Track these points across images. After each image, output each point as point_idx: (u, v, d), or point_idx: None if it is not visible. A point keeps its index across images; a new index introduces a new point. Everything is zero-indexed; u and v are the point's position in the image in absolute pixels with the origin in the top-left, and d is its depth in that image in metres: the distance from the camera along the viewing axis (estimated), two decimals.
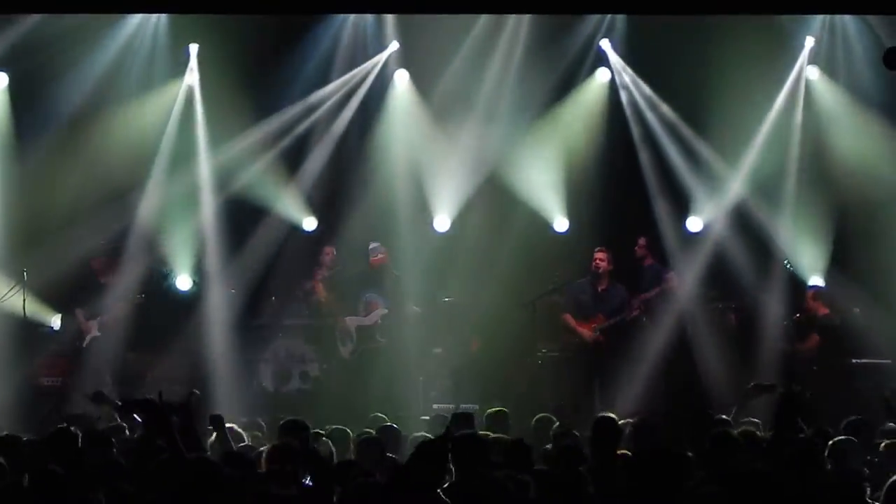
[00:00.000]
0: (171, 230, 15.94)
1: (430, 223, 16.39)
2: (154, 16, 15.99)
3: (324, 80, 16.58)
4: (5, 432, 9.73)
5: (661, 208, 16.40)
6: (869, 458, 9.03)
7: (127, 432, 9.85)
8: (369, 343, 15.36)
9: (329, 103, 16.63)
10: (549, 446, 9.35)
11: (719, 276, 16.06)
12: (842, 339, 15.20)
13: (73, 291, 15.35)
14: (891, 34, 15.41)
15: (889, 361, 15.08)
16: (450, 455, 7.66)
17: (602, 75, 16.79)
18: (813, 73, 16.41)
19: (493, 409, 11.21)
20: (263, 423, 11.52)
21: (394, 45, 16.67)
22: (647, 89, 16.61)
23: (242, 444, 9.36)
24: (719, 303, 15.99)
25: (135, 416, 8.59)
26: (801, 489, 7.22)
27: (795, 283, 15.90)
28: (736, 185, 16.25)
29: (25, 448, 8.71)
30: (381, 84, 16.76)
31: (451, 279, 16.10)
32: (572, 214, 16.43)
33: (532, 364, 15.59)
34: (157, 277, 16.05)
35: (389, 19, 16.63)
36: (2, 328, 15.07)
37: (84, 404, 12.57)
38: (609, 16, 16.54)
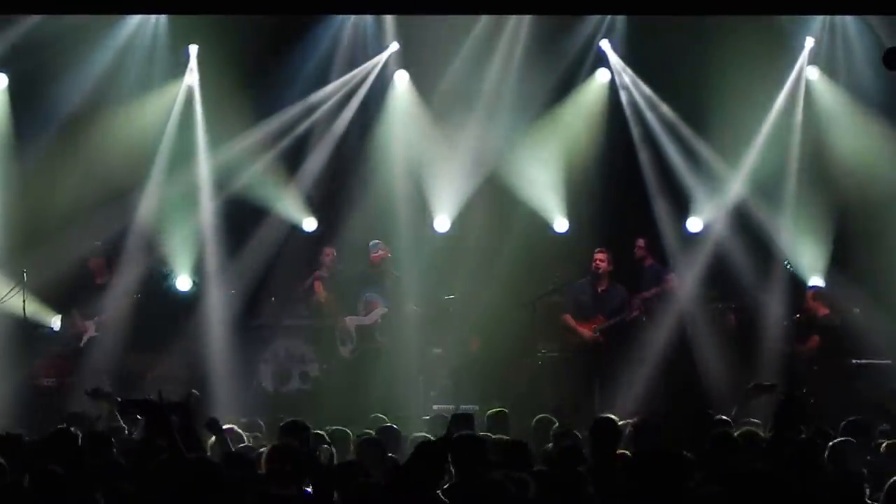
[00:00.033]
0: (171, 230, 15.94)
1: (430, 223, 16.39)
2: (153, 16, 15.99)
3: (323, 81, 16.58)
4: (5, 432, 9.71)
5: (661, 209, 16.40)
6: (869, 458, 9.01)
7: (127, 432, 9.85)
8: (369, 343, 15.35)
9: (329, 104, 16.63)
10: (549, 446, 9.35)
11: (719, 277, 16.05)
12: (842, 339, 15.19)
13: (71, 292, 15.35)
14: (891, 34, 15.41)
15: (889, 361, 15.08)
16: (449, 456, 7.69)
17: (602, 76, 16.79)
18: (813, 73, 16.40)
19: (494, 410, 11.21)
20: (263, 424, 11.52)
21: (394, 46, 16.67)
22: (647, 90, 16.61)
23: (242, 445, 9.36)
24: (719, 303, 15.98)
25: (135, 415, 8.58)
26: (801, 489, 7.22)
27: (795, 284, 15.89)
28: (736, 186, 16.25)
29: (25, 448, 8.71)
30: (381, 84, 16.76)
31: (451, 279, 16.10)
32: (572, 215, 16.43)
33: (532, 364, 15.59)
34: (157, 278, 16.04)
35: (389, 20, 16.62)
36: (2, 329, 15.07)
37: (82, 402, 12.56)
38: (609, 16, 16.54)
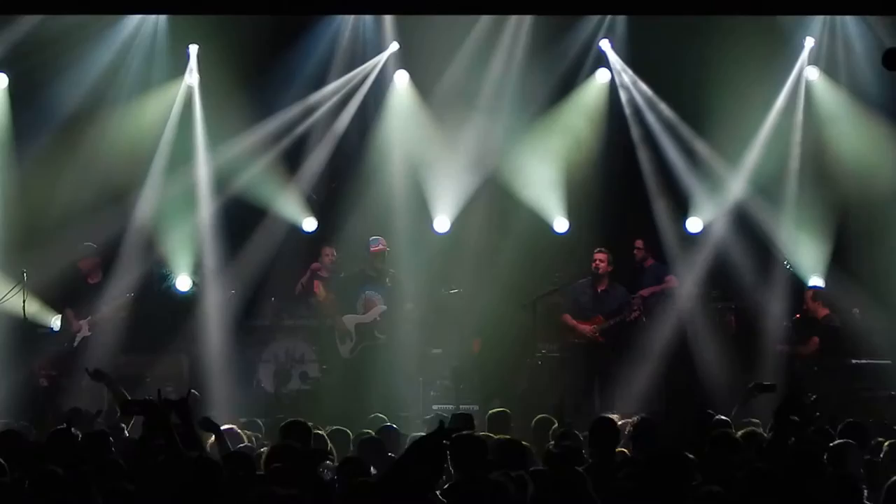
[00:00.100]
0: (171, 231, 15.94)
1: (430, 224, 16.39)
2: (153, 16, 15.99)
3: (323, 81, 16.58)
4: (5, 430, 9.71)
5: (661, 209, 16.40)
6: (868, 457, 9.01)
7: (126, 432, 9.86)
8: (369, 340, 15.33)
9: (329, 104, 16.63)
10: (550, 445, 9.34)
11: (719, 277, 16.05)
12: (842, 339, 15.19)
13: (64, 292, 15.32)
14: (891, 34, 15.41)
15: (889, 362, 15.07)
16: (448, 455, 7.68)
17: (602, 76, 16.79)
18: (813, 73, 16.40)
19: (495, 410, 11.21)
20: (262, 424, 11.52)
21: (394, 46, 16.67)
22: (647, 89, 16.61)
23: (242, 445, 9.36)
24: (719, 303, 15.99)
25: (134, 415, 8.58)
26: (800, 490, 7.21)
27: (795, 284, 15.89)
28: (736, 186, 16.24)
29: (25, 448, 8.70)
30: (381, 85, 16.76)
31: (452, 280, 16.09)
32: (572, 215, 16.43)
33: (532, 364, 15.58)
34: (157, 278, 16.04)
35: (389, 20, 16.62)
36: (2, 329, 15.06)
37: (78, 402, 12.56)
38: (609, 16, 16.54)
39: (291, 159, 16.51)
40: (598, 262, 15.36)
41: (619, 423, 9.59)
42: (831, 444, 8.64)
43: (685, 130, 16.44)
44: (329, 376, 15.57)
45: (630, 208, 16.41)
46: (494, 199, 16.47)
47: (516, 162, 16.40)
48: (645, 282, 15.95)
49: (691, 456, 7.14)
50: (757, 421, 10.40)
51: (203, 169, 16.21)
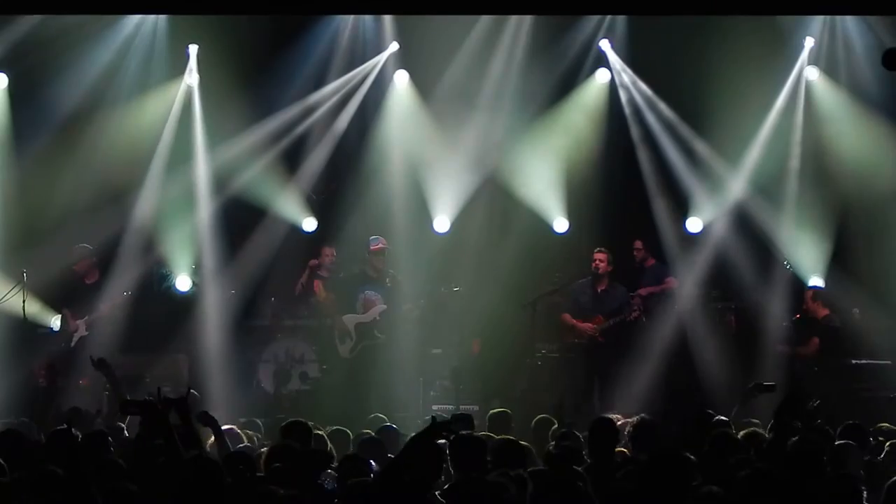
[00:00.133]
0: (171, 230, 15.94)
1: (430, 224, 16.39)
2: (153, 16, 15.98)
3: (323, 81, 16.58)
4: (5, 430, 9.70)
5: (661, 209, 16.40)
6: (868, 458, 9.01)
7: (126, 433, 9.85)
8: (368, 339, 15.32)
9: (329, 104, 16.63)
10: (550, 445, 9.34)
11: (719, 277, 16.05)
12: (842, 340, 15.18)
13: (65, 293, 15.30)
14: (891, 34, 15.41)
15: (889, 362, 15.07)
16: (448, 455, 7.68)
17: (602, 76, 16.79)
18: (813, 73, 16.40)
19: (496, 411, 11.21)
20: (261, 424, 11.51)
21: (393, 46, 16.67)
22: (646, 89, 16.61)
23: (241, 445, 9.36)
24: (719, 303, 15.98)
25: (133, 415, 8.57)
26: (800, 490, 7.21)
27: (795, 284, 15.88)
28: (736, 186, 16.24)
29: (25, 448, 8.70)
30: (381, 85, 16.76)
31: (451, 280, 16.08)
32: (572, 215, 16.43)
33: (532, 364, 15.58)
34: (157, 278, 16.04)
35: (388, 20, 16.62)
36: (2, 329, 15.06)
37: (76, 401, 12.55)
38: (609, 16, 16.53)
39: (291, 159, 16.51)
40: (597, 262, 15.35)
41: (619, 423, 9.59)
42: (831, 445, 8.63)
43: (685, 130, 16.44)
44: (329, 376, 15.56)
45: (630, 208, 16.41)
46: (494, 199, 16.48)
47: (516, 162, 16.40)
48: (645, 282, 15.95)
49: (691, 456, 7.13)
50: (757, 421, 10.39)
51: (203, 169, 16.21)
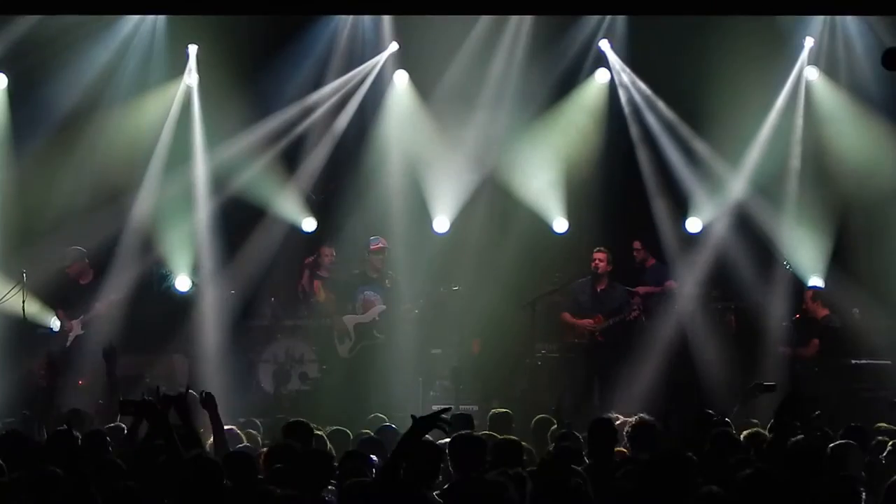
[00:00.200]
0: (170, 231, 15.93)
1: (430, 224, 16.38)
2: (152, 16, 15.98)
3: (322, 81, 16.58)
4: (6, 431, 9.70)
5: (661, 209, 16.39)
6: (869, 459, 9.00)
7: (125, 433, 9.83)
8: (368, 340, 15.32)
9: (328, 104, 16.63)
10: (551, 447, 9.34)
11: (719, 277, 16.04)
12: (842, 340, 15.18)
13: (61, 293, 15.27)
14: (891, 34, 15.41)
15: (889, 362, 15.07)
16: (448, 455, 7.67)
17: (601, 76, 16.78)
18: (812, 73, 16.39)
19: (497, 411, 11.20)
20: (260, 424, 11.50)
21: (393, 46, 16.66)
22: (646, 90, 16.61)
23: (241, 445, 9.35)
24: (719, 303, 15.98)
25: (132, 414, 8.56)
26: (800, 490, 7.20)
27: (795, 284, 15.88)
28: (736, 186, 16.24)
29: (25, 448, 8.69)
30: (381, 85, 16.75)
31: (451, 280, 16.08)
32: (572, 215, 16.42)
33: (532, 364, 15.57)
34: (156, 278, 16.03)
35: (388, 20, 16.61)
36: (1, 329, 15.05)
37: (74, 401, 12.54)
38: (609, 16, 16.53)
39: (291, 159, 16.51)
40: (597, 261, 15.35)
41: (619, 423, 9.59)
42: (832, 444, 8.62)
43: (685, 130, 16.44)
44: (328, 376, 15.55)
45: (630, 208, 16.41)
46: (494, 199, 16.47)
47: (516, 162, 16.40)
48: (646, 282, 15.94)
49: (691, 456, 7.13)
50: (756, 421, 10.39)
51: (202, 169, 16.20)
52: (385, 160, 16.50)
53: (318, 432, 9.40)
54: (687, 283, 15.92)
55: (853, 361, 15.11)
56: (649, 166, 16.52)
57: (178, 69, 16.30)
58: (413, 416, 6.70)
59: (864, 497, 7.44)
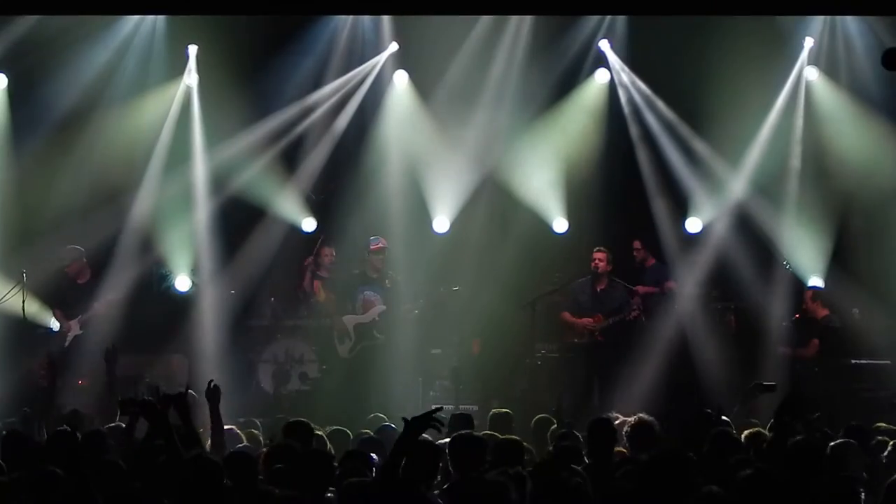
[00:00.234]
0: (170, 231, 15.93)
1: (430, 224, 16.38)
2: (151, 16, 15.97)
3: (322, 82, 16.57)
4: (6, 431, 9.70)
5: (661, 209, 16.39)
6: (869, 460, 9.00)
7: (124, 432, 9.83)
8: (368, 340, 15.31)
9: (328, 104, 16.63)
10: (551, 447, 9.34)
11: (719, 277, 16.04)
12: (842, 340, 15.18)
13: (59, 293, 15.26)
14: (891, 34, 15.40)
15: (889, 362, 15.07)
16: (448, 455, 7.67)
17: (601, 76, 16.78)
18: (812, 73, 16.39)
19: (498, 411, 11.20)
20: (259, 424, 11.50)
21: (393, 47, 16.66)
22: (646, 90, 16.60)
23: (241, 445, 9.35)
24: (719, 303, 15.98)
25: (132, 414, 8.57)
26: (801, 490, 7.20)
27: (795, 284, 15.88)
28: (736, 186, 16.24)
29: (25, 448, 8.69)
30: (380, 85, 16.75)
31: (451, 280, 16.07)
32: (572, 215, 16.42)
33: (532, 364, 15.57)
34: (156, 278, 16.03)
35: (387, 20, 16.61)
36: (1, 329, 15.04)
37: (74, 402, 12.53)
38: (609, 16, 16.53)
39: (290, 159, 16.51)
40: (597, 261, 15.35)
41: (619, 422, 9.58)
42: (832, 444, 8.63)
43: (685, 130, 16.44)
44: (328, 377, 15.55)
45: (630, 208, 16.40)
46: (494, 200, 16.47)
47: (516, 162, 16.40)
48: (646, 282, 15.93)
49: (691, 456, 7.13)
50: (756, 421, 10.39)
51: (201, 169, 16.20)
52: (385, 160, 16.50)
53: (318, 432, 9.40)
54: (687, 283, 15.91)
55: (853, 361, 15.11)
56: (649, 166, 16.52)
57: (178, 69, 16.30)
58: (405, 419, 6.70)
59: (863, 497, 7.45)
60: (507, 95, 16.38)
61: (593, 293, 15.43)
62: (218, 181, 16.19)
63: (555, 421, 10.27)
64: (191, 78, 16.33)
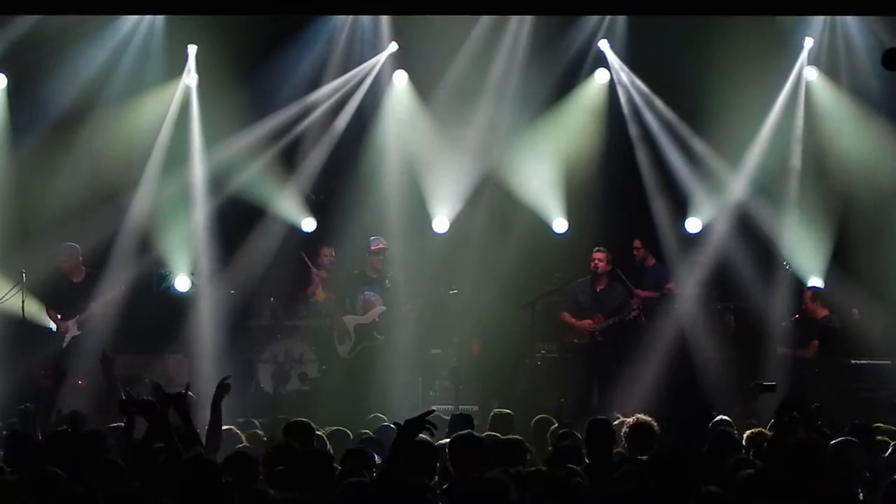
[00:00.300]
0: (169, 231, 15.92)
1: (429, 224, 16.38)
2: (150, 16, 15.97)
3: (321, 82, 16.57)
4: (6, 432, 9.70)
5: (661, 209, 16.39)
6: (870, 460, 8.99)
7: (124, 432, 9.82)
8: (368, 341, 15.32)
9: (327, 104, 16.62)
10: (551, 447, 9.34)
11: (719, 277, 16.04)
12: (842, 340, 15.18)
13: (55, 293, 15.24)
14: (891, 34, 15.40)
15: (889, 362, 15.07)
16: (447, 455, 7.67)
17: (601, 76, 16.78)
18: (812, 73, 16.39)
19: (499, 411, 11.19)
20: (259, 424, 11.49)
21: (392, 47, 16.66)
22: (646, 90, 16.60)
23: (241, 445, 9.35)
24: (719, 303, 15.98)
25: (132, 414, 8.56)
26: (801, 490, 7.20)
27: (795, 284, 15.87)
28: (736, 186, 16.23)
29: (25, 448, 8.69)
30: (380, 85, 16.75)
31: (451, 280, 16.07)
32: (572, 215, 16.41)
33: (532, 364, 15.57)
34: (156, 279, 16.02)
35: (387, 20, 16.61)
36: (1, 329, 15.04)
37: (73, 402, 12.52)
38: (609, 16, 16.53)
39: (290, 159, 16.51)
40: (596, 261, 15.35)
41: (619, 422, 9.58)
42: (832, 443, 8.62)
43: (685, 130, 16.44)
44: (328, 377, 15.55)
45: (630, 208, 16.40)
46: (494, 200, 16.47)
47: (516, 162, 16.39)
48: (646, 282, 15.93)
49: (691, 456, 7.13)
50: (754, 421, 10.38)
51: (200, 169, 16.19)
52: (384, 160, 16.49)
53: (318, 433, 9.40)
54: (687, 284, 15.91)
55: (853, 361, 15.11)
56: (649, 166, 16.52)
57: (177, 69, 16.29)
58: (397, 424, 6.71)
59: (863, 497, 7.45)
60: (506, 95, 16.38)
61: (593, 293, 15.43)
62: (217, 181, 16.18)
63: (555, 421, 10.27)
64: (190, 78, 16.33)
